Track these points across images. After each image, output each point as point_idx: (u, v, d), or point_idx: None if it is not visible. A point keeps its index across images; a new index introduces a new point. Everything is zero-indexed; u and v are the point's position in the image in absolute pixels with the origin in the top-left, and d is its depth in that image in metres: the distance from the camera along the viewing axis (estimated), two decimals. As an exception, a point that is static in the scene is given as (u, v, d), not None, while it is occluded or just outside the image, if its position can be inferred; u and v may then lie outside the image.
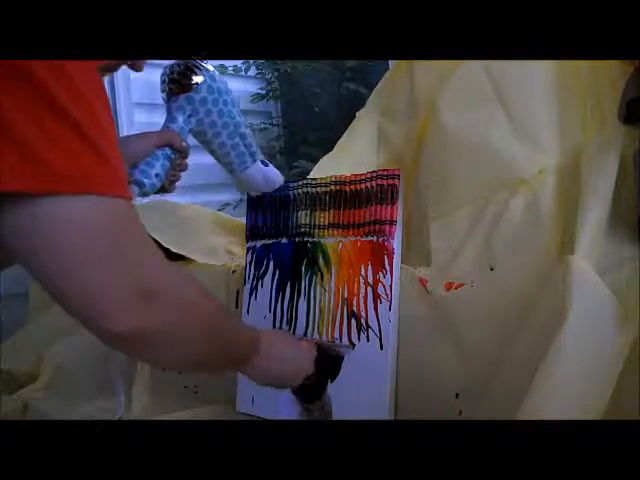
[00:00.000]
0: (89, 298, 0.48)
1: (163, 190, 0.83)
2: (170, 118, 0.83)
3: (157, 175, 0.80)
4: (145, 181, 0.79)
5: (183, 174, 0.89)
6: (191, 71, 0.81)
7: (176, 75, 0.81)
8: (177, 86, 0.81)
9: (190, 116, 0.83)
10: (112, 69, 0.70)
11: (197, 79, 0.81)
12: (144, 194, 0.80)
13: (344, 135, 1.11)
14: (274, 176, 0.95)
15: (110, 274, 0.48)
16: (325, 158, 1.13)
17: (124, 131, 1.91)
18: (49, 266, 0.48)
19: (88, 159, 0.47)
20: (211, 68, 0.83)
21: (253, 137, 0.91)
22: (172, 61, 0.84)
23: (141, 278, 0.50)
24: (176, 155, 0.82)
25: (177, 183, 0.86)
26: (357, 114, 1.10)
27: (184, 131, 0.83)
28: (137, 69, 0.71)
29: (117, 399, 0.94)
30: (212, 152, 0.89)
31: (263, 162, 0.93)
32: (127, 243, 0.50)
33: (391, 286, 0.86)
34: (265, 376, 0.76)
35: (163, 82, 0.83)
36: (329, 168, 1.04)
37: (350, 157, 1.05)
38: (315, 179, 0.99)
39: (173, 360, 0.62)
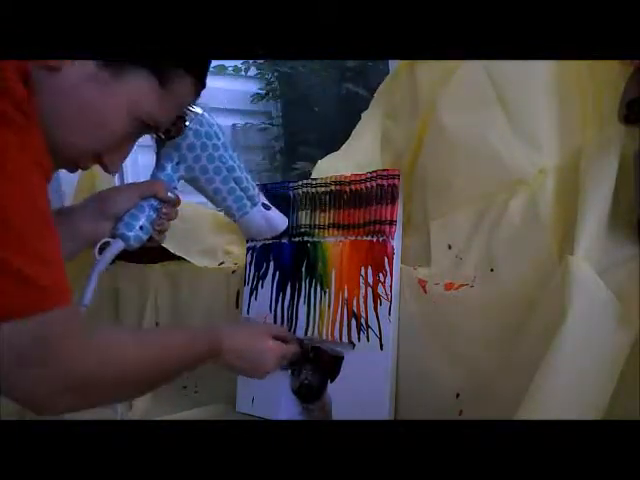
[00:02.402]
0: (23, 398, 0.54)
1: (151, 241, 0.82)
2: (158, 166, 0.82)
3: (142, 228, 0.79)
4: (129, 234, 0.78)
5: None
6: (177, 117, 0.76)
7: None
8: (164, 133, 0.78)
9: (178, 163, 0.81)
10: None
11: (183, 125, 0.79)
12: (130, 247, 0.79)
13: (351, 138, 1.10)
14: (278, 220, 0.94)
15: (39, 382, 0.53)
16: (329, 158, 1.10)
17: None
18: None
19: (9, 287, 0.49)
20: (200, 111, 0.80)
21: (251, 180, 0.89)
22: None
23: (66, 380, 0.55)
24: (162, 205, 0.81)
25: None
26: (362, 115, 1.10)
27: (172, 179, 0.82)
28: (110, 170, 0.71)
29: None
30: (210, 199, 0.88)
31: (265, 205, 0.91)
32: (52, 355, 0.54)
33: (391, 286, 0.86)
34: (226, 366, 0.83)
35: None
36: (333, 168, 1.04)
37: (355, 159, 1.05)
38: (315, 179, 0.99)
39: (126, 400, 0.74)
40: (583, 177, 0.73)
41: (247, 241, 1.06)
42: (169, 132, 0.78)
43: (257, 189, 0.91)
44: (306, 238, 0.98)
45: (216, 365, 0.82)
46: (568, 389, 0.59)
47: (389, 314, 0.86)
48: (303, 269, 0.97)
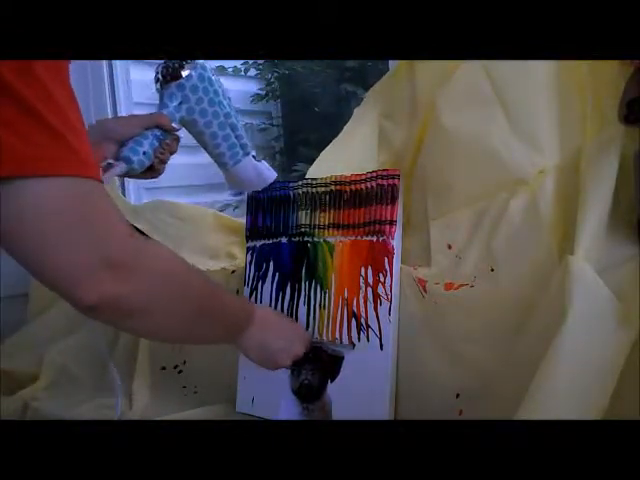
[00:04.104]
0: (61, 273, 0.52)
1: (152, 170, 0.84)
2: (161, 105, 0.84)
3: (145, 153, 0.81)
4: (133, 157, 0.80)
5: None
6: (177, 63, 0.83)
7: (170, 64, 0.84)
8: (170, 74, 0.83)
9: (181, 103, 0.84)
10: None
11: (189, 68, 0.83)
12: (132, 170, 0.81)
13: (342, 133, 1.10)
14: (267, 171, 0.94)
15: (78, 248, 0.52)
16: (324, 155, 1.10)
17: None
18: (22, 245, 0.51)
19: (51, 145, 0.49)
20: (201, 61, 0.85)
21: (244, 130, 0.92)
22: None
23: (108, 250, 0.53)
24: (165, 136, 0.84)
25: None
26: (355, 111, 1.10)
27: (174, 116, 0.84)
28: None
29: (115, 401, 0.95)
30: (204, 144, 0.89)
31: (255, 157, 0.94)
32: (94, 219, 0.53)
33: (391, 286, 0.86)
34: (258, 347, 0.79)
35: (156, 73, 0.85)
36: (328, 166, 1.04)
37: (349, 156, 1.05)
38: (315, 179, 0.99)
39: (157, 330, 0.65)
40: (583, 177, 0.73)
41: (247, 241, 1.06)
42: (168, 76, 0.83)
43: (249, 140, 0.94)
44: (306, 238, 0.98)
45: (242, 348, 0.79)
46: (568, 389, 0.59)
47: (389, 314, 0.86)
48: (303, 269, 0.97)
